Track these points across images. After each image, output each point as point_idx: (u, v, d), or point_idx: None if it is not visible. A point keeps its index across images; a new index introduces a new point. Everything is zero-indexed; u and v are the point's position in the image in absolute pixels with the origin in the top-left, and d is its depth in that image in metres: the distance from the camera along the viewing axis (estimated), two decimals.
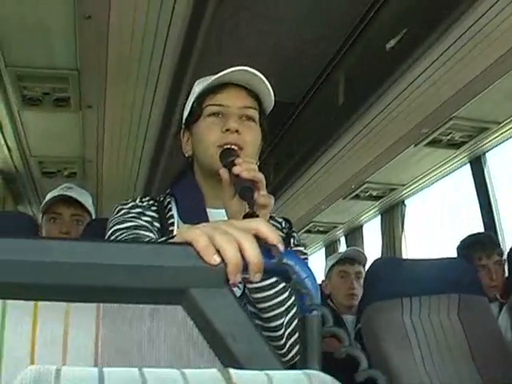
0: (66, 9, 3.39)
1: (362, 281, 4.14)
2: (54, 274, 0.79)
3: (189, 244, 0.86)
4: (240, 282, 0.88)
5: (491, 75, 3.68)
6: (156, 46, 3.76)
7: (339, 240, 7.77)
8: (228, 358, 0.81)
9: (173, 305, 0.86)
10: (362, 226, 7.19)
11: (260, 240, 0.92)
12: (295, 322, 1.56)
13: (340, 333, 0.83)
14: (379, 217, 6.65)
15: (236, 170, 1.51)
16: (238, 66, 1.73)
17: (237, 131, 1.71)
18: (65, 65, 4.04)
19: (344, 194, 6.10)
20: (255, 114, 1.79)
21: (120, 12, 3.39)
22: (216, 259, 0.84)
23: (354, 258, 4.36)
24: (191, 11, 3.45)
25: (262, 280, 1.46)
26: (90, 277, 0.80)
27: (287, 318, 1.56)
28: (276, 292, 1.52)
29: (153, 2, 3.35)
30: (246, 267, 0.86)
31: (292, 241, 1.84)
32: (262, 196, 1.50)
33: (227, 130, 1.71)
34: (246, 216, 1.37)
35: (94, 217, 3.46)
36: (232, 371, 0.67)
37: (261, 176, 1.51)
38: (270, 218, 1.80)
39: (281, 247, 0.92)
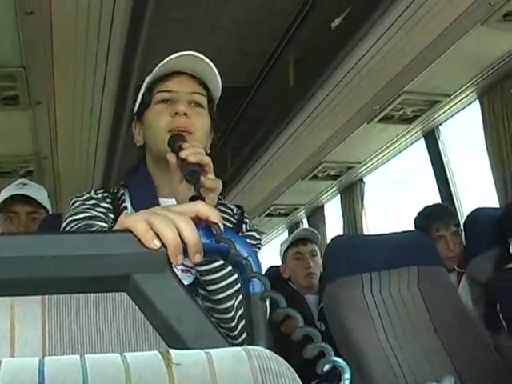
0: (7, 5, 3.35)
1: (317, 259, 4.19)
2: None
3: (129, 231, 0.86)
4: (192, 268, 0.89)
5: (438, 48, 3.71)
6: (101, 37, 3.73)
7: (302, 221, 7.79)
8: (174, 340, 0.82)
9: (117, 292, 0.87)
10: (323, 206, 7.21)
11: (201, 221, 0.93)
12: None
13: (293, 313, 0.84)
14: (339, 196, 6.69)
15: (183, 154, 1.52)
16: (197, 54, 1.74)
17: (185, 114, 1.73)
18: (10, 62, 3.99)
19: (302, 175, 6.11)
20: (203, 100, 1.82)
21: (62, 5, 3.35)
22: (156, 243, 0.85)
23: (306, 237, 4.38)
24: (133, 1, 3.42)
25: (210, 262, 1.47)
26: (32, 269, 0.80)
27: (238, 299, 1.57)
28: (225, 274, 1.54)
29: None
30: (186, 249, 0.88)
31: (244, 226, 1.85)
32: (209, 179, 1.50)
33: (176, 114, 1.74)
34: (191, 199, 1.38)
35: (50, 212, 3.44)
36: (172, 352, 0.68)
37: (207, 159, 1.52)
38: (222, 205, 1.82)
39: (220, 224, 0.93)
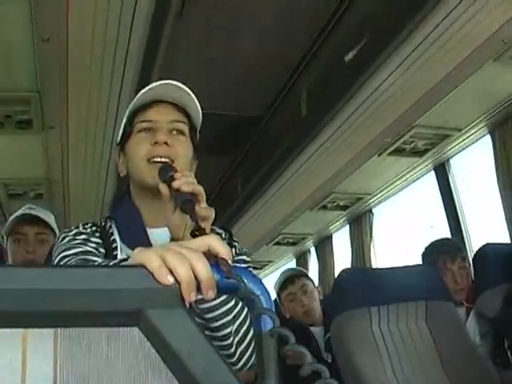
0: (24, 32, 3.38)
1: (310, 293, 4.17)
2: (9, 301, 0.79)
3: (142, 266, 0.86)
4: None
5: (450, 83, 3.73)
6: (116, 66, 3.76)
7: (309, 251, 7.78)
8: (185, 377, 0.82)
9: (129, 327, 0.87)
10: (331, 236, 7.20)
11: (210, 257, 0.93)
12: (243, 329, 1.58)
13: (301, 350, 0.84)
14: (348, 226, 6.68)
15: (176, 184, 1.52)
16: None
17: (166, 143, 1.73)
18: (26, 87, 4.02)
19: (311, 205, 6.12)
20: (185, 127, 1.82)
21: (78, 33, 3.38)
22: (169, 279, 0.85)
23: (292, 275, 4.35)
24: (150, 28, 3.44)
25: None
26: (46, 302, 0.80)
27: (235, 326, 1.57)
28: (222, 301, 1.53)
29: (111, 20, 3.34)
30: (199, 286, 0.88)
31: (234, 250, 1.84)
32: (203, 208, 1.51)
33: (156, 143, 1.73)
34: (193, 231, 1.38)
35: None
36: None
37: (200, 189, 1.53)
38: (211, 230, 1.81)
39: (230, 261, 0.94)
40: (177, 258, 0.88)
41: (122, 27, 3.41)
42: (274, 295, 4.49)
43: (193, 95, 1.78)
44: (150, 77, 4.02)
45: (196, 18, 3.85)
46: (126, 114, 1.85)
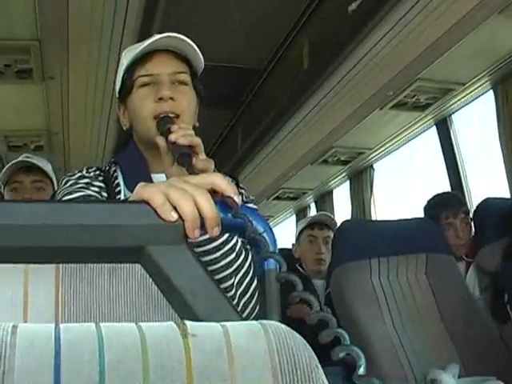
0: None
1: (330, 246, 4.17)
2: (11, 236, 0.79)
3: (145, 202, 0.86)
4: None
5: (455, 35, 3.68)
6: (117, 16, 3.73)
7: (309, 206, 7.78)
8: (187, 314, 0.82)
9: (131, 263, 0.86)
10: (331, 192, 7.19)
11: (216, 194, 0.92)
12: (246, 280, 1.57)
13: (310, 298, 0.83)
14: (348, 182, 6.67)
15: (172, 137, 1.51)
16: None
17: (171, 98, 1.71)
18: (25, 36, 3.99)
19: (312, 160, 6.09)
20: (187, 77, 1.79)
21: None
22: (173, 216, 0.85)
23: (323, 222, 4.37)
24: None
25: (208, 243, 1.45)
26: (48, 238, 0.80)
27: (237, 278, 1.56)
28: (222, 254, 1.51)
29: None
30: (202, 223, 0.87)
31: (241, 197, 1.83)
32: (201, 160, 1.49)
33: (160, 99, 1.71)
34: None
35: (56, 185, 3.44)
36: (188, 323, 0.68)
37: (198, 140, 1.51)
38: None
39: (237, 199, 0.93)
40: (181, 194, 0.87)
41: None
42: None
43: (192, 43, 1.75)
44: (151, 27, 3.98)
45: None
46: (124, 66, 1.80)
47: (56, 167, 3.66)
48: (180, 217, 0.85)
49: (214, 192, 0.93)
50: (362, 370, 0.70)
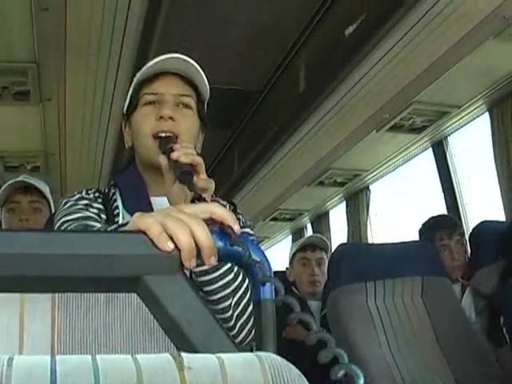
0: (22, 2, 3.36)
1: (323, 267, 4.18)
2: (7, 265, 0.79)
3: (142, 232, 0.86)
4: (186, 268, 0.88)
5: (450, 59, 3.70)
6: (114, 37, 3.74)
7: (306, 227, 7.78)
8: (183, 344, 0.82)
9: (128, 292, 0.86)
10: (328, 213, 7.20)
11: (214, 223, 0.93)
12: (244, 302, 1.58)
13: (308, 319, 0.83)
14: (344, 203, 6.68)
15: (174, 155, 1.52)
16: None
17: (171, 118, 1.73)
18: (23, 58, 4.00)
19: (309, 181, 6.10)
20: (191, 101, 1.81)
21: (77, 3, 3.37)
22: (170, 246, 0.85)
23: (316, 244, 4.37)
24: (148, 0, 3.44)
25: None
26: (44, 267, 0.80)
27: (235, 299, 1.56)
28: (221, 274, 1.53)
29: None
30: (199, 253, 0.87)
31: (238, 223, 1.84)
32: (202, 180, 1.51)
33: (161, 118, 1.73)
34: (193, 200, 1.38)
35: (53, 207, 3.45)
36: (184, 355, 0.68)
37: (199, 160, 1.52)
38: (215, 201, 1.81)
39: (237, 227, 0.93)
40: (177, 224, 0.88)
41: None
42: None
43: (201, 70, 1.77)
44: (149, 49, 4.01)
45: None
46: (133, 85, 1.84)
47: (52, 188, 3.67)
48: (176, 247, 0.85)
49: (212, 220, 0.94)
50: None
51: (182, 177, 1.47)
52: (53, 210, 3.45)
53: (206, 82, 1.81)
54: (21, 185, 3.35)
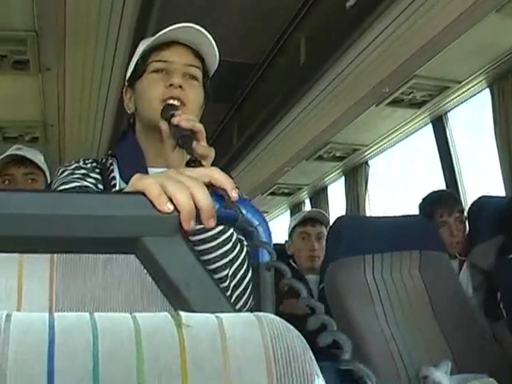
0: None
1: (323, 241, 4.17)
2: (5, 225, 0.78)
3: (141, 193, 0.86)
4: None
5: (451, 33, 3.68)
6: (114, 7, 3.72)
7: (304, 202, 7.79)
8: (181, 306, 0.82)
9: (126, 254, 0.86)
10: (326, 188, 7.20)
11: (213, 187, 0.93)
12: (240, 273, 1.58)
13: (299, 286, 0.83)
14: (343, 178, 6.67)
15: (175, 120, 1.54)
16: (197, 26, 1.74)
17: (180, 87, 1.74)
18: (22, 26, 3.98)
19: (307, 155, 6.09)
20: (198, 73, 1.82)
21: None
22: (169, 207, 0.84)
23: (316, 218, 4.37)
24: None
25: (204, 232, 1.46)
26: (43, 227, 0.80)
27: (232, 269, 1.57)
28: (219, 243, 1.52)
29: None
30: (198, 215, 0.87)
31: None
32: (202, 146, 1.52)
33: (171, 85, 1.74)
34: (189, 162, 1.38)
35: (48, 175, 3.44)
36: (183, 314, 0.67)
37: (200, 126, 1.55)
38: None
39: (235, 193, 0.93)
40: (177, 185, 0.87)
41: None
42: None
43: (213, 41, 1.77)
44: (148, 21, 3.99)
45: None
46: (141, 52, 1.84)
47: (51, 159, 3.67)
48: (176, 208, 0.85)
49: (211, 185, 0.94)
50: (347, 356, 0.70)
51: (181, 140, 1.48)
52: (48, 180, 3.45)
53: (217, 54, 1.81)
54: (14, 157, 3.33)
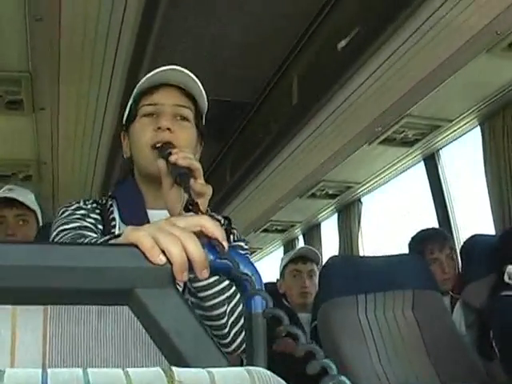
0: (16, 11, 3.36)
1: (315, 279, 4.17)
2: None
3: (134, 245, 0.86)
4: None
5: (442, 73, 3.72)
6: (108, 47, 3.74)
7: (298, 238, 7.78)
8: (175, 357, 0.82)
9: (119, 305, 0.87)
10: (319, 224, 7.21)
11: (205, 237, 0.93)
12: (238, 310, 1.58)
13: (297, 331, 0.84)
14: (336, 215, 6.68)
15: (173, 157, 1.55)
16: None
17: (168, 129, 1.74)
18: (17, 67, 4.00)
19: (300, 193, 6.10)
20: (189, 113, 1.82)
21: (71, 13, 3.37)
22: (162, 259, 0.85)
23: (307, 256, 4.38)
24: (142, 13, 3.44)
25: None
26: (35, 279, 0.80)
27: (230, 306, 1.57)
28: (215, 281, 1.53)
29: (104, 3, 3.33)
30: (191, 266, 0.88)
31: (232, 237, 1.86)
32: (199, 183, 1.53)
33: (159, 128, 1.74)
34: (186, 204, 1.38)
35: (40, 215, 3.44)
36: (175, 369, 0.68)
37: (197, 164, 1.55)
38: (210, 216, 1.81)
39: (225, 243, 0.94)
40: (169, 238, 0.88)
41: (114, 11, 3.40)
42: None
43: (199, 82, 1.79)
44: (142, 62, 4.02)
45: (187, 7, 3.82)
46: (133, 95, 1.86)
47: (44, 196, 3.68)
48: (168, 260, 0.86)
49: (202, 233, 0.95)
50: None
51: (179, 178, 1.48)
52: (40, 220, 3.45)
53: (205, 95, 1.83)
54: (4, 200, 3.33)
